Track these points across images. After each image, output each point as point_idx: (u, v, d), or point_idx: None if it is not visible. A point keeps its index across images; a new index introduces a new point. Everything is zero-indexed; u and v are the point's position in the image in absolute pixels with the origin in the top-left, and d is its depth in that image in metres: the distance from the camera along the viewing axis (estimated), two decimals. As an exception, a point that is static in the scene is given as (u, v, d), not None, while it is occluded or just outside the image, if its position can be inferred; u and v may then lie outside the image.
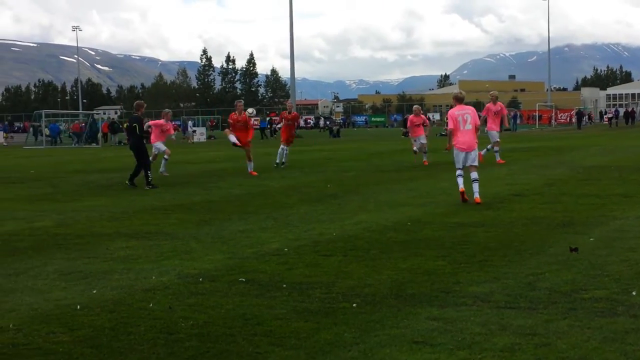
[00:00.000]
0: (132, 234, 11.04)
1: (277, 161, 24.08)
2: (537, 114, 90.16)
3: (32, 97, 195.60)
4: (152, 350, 5.45)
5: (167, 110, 24.16)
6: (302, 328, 5.88)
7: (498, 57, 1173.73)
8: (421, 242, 9.54)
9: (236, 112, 21.73)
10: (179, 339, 5.70)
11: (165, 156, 22.36)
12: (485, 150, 22.83)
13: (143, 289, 7.40)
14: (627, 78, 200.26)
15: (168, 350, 5.45)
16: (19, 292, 7.46)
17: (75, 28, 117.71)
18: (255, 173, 21.24)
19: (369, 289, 7.08)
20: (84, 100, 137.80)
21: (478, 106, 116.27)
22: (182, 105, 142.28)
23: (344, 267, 8.14)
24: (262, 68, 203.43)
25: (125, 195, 17.00)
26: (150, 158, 21.31)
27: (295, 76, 68.26)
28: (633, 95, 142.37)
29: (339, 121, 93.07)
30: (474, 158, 13.56)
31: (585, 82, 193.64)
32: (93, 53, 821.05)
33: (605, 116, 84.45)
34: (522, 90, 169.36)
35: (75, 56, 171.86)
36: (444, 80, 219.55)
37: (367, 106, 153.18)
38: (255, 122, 58.60)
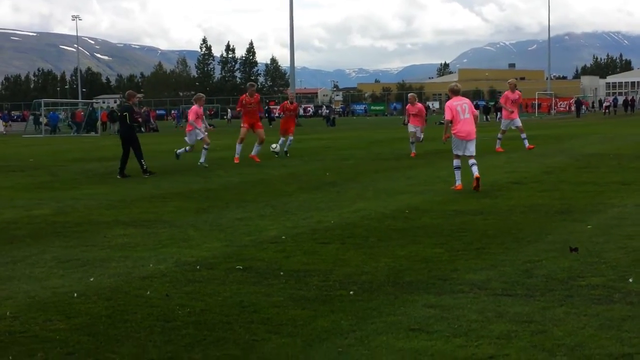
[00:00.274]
0: (130, 221, 11.04)
1: (280, 150, 23.72)
2: (536, 102, 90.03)
3: (32, 86, 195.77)
4: (149, 338, 5.45)
5: (200, 94, 21.92)
6: (299, 315, 5.88)
7: (498, 45, 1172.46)
8: (419, 230, 9.53)
9: (247, 94, 21.59)
10: (176, 326, 5.71)
11: (205, 145, 20.77)
12: (497, 141, 22.89)
13: (140, 276, 7.40)
14: (627, 66, 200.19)
15: (165, 337, 5.46)
16: (16, 279, 7.46)
17: (75, 17, 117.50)
18: (258, 160, 21.22)
19: (366, 277, 7.08)
20: (84, 90, 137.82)
21: (477, 95, 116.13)
22: (181, 94, 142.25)
23: (342, 255, 8.14)
24: (262, 57, 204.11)
25: (124, 183, 16.99)
26: (188, 148, 21.26)
27: (295, 65, 68.21)
28: (633, 83, 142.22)
29: (337, 109, 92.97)
30: (472, 147, 13.77)
31: (585, 71, 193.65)
32: (93, 42, 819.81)
33: (603, 105, 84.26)
34: (522, 78, 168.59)
35: (75, 45, 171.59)
36: (444, 69, 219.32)
37: (366, 95, 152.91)
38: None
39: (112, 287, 7.01)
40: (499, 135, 23.31)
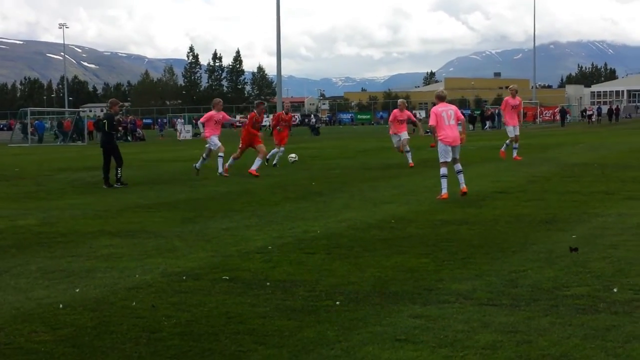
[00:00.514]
0: (115, 232, 11.00)
1: (274, 162, 23.44)
2: (522, 111, 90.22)
3: (18, 94, 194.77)
4: (135, 350, 5.44)
5: (217, 99, 21.61)
6: (285, 326, 5.89)
7: (484, 54, 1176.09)
8: (405, 240, 9.56)
9: (256, 111, 20.84)
10: (162, 337, 5.70)
11: (220, 153, 20.44)
12: (504, 145, 22.80)
13: (126, 287, 7.38)
14: (611, 75, 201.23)
15: (151, 349, 5.45)
16: (1, 291, 7.42)
17: (62, 25, 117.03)
18: (258, 174, 19.71)
19: (352, 287, 7.09)
20: (70, 98, 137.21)
21: (463, 103, 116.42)
22: (168, 102, 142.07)
23: (328, 265, 8.15)
24: (249, 66, 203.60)
25: (110, 193, 16.95)
26: (204, 154, 20.92)
27: (282, 74, 68.09)
28: (617, 92, 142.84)
29: (324, 118, 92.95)
30: (458, 151, 14.09)
31: (570, 80, 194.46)
32: (80, 50, 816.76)
33: (586, 114, 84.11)
34: (507, 87, 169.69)
35: (62, 53, 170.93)
36: (430, 78, 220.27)
37: (353, 104, 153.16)
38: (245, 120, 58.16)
39: (97, 298, 6.98)
40: (515, 145, 22.71)
